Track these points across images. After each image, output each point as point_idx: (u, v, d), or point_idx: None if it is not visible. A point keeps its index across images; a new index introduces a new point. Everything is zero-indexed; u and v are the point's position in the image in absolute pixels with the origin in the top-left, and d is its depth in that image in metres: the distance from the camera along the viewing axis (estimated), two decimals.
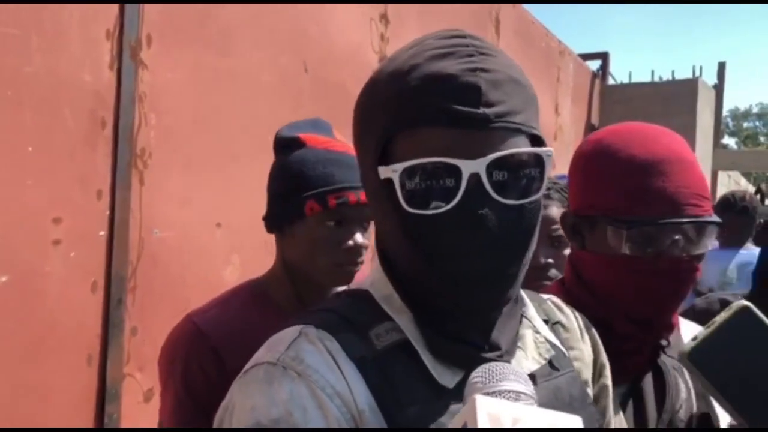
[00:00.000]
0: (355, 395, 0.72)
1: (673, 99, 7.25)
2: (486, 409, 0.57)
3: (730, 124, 48.04)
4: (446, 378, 0.75)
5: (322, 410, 0.70)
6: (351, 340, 0.75)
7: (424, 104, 0.72)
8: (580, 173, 1.18)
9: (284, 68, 2.81)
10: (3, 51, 1.78)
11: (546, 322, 0.91)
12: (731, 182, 11.14)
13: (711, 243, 1.12)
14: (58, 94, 1.92)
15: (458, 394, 0.70)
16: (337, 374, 0.72)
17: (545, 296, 0.99)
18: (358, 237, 1.37)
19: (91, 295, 2.04)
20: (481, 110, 0.71)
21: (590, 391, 0.91)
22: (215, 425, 0.78)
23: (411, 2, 3.70)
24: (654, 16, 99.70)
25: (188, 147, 2.35)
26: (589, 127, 6.92)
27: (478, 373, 0.66)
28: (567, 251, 1.72)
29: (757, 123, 50.84)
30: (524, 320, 0.86)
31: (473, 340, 0.77)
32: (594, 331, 0.98)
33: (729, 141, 43.75)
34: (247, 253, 2.50)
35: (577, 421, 0.59)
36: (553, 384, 0.82)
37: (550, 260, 1.79)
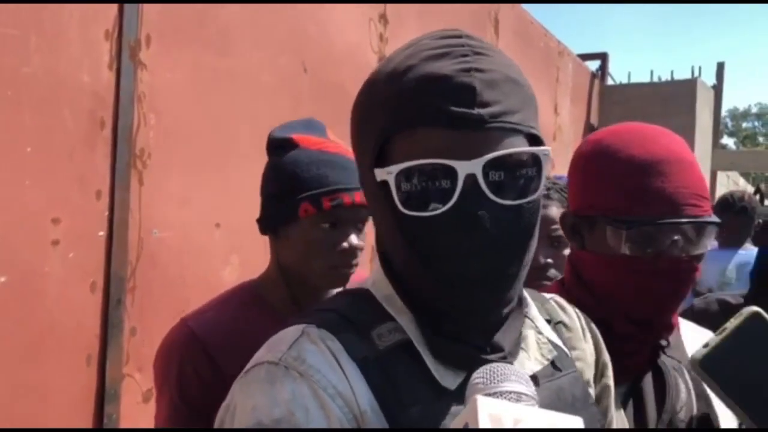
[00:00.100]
0: (357, 396, 0.71)
1: (672, 99, 7.26)
2: (487, 409, 0.57)
3: (729, 124, 48.09)
4: (448, 379, 0.74)
5: (324, 410, 0.70)
6: (353, 340, 0.75)
7: (419, 105, 0.72)
8: (580, 173, 1.18)
9: (283, 68, 2.81)
10: (2, 51, 1.77)
11: (548, 321, 0.91)
12: (730, 182, 11.15)
13: (710, 243, 1.12)
14: (57, 95, 1.92)
15: (460, 395, 0.70)
16: (339, 374, 0.72)
17: (548, 295, 0.98)
18: (353, 239, 1.36)
19: (90, 295, 2.04)
20: (476, 111, 0.70)
21: (592, 391, 0.91)
22: (216, 425, 0.78)
23: (410, 2, 3.70)
24: (653, 16, 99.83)
25: (187, 147, 2.35)
26: (588, 128, 6.92)
27: (480, 374, 0.66)
28: (566, 251, 1.72)
29: (756, 123, 50.90)
30: (527, 320, 0.85)
31: (475, 341, 0.76)
32: (596, 331, 0.98)
33: (728, 141, 43.81)
34: (247, 254, 2.50)
35: (577, 422, 0.59)
36: (555, 385, 0.82)
37: (550, 260, 1.79)
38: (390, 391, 0.72)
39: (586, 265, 1.17)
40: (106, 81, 2.07)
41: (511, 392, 0.63)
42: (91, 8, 2.01)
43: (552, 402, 0.77)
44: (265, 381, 0.73)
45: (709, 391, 1.10)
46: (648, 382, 1.14)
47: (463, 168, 0.70)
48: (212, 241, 2.45)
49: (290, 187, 1.35)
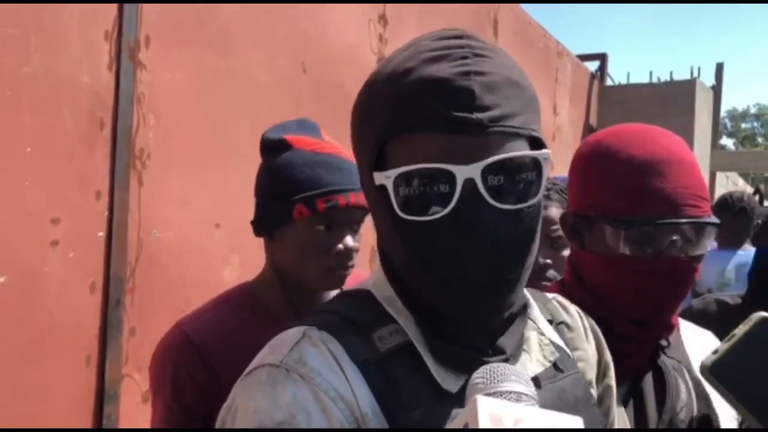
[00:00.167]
0: (359, 398, 0.71)
1: (671, 100, 7.26)
2: (487, 409, 0.57)
3: (728, 124, 48.12)
4: (449, 382, 0.74)
5: (326, 414, 0.70)
6: (354, 342, 0.75)
7: (417, 109, 0.71)
8: (580, 174, 1.19)
9: (283, 69, 2.81)
10: (2, 51, 1.77)
11: (550, 322, 0.90)
12: (729, 183, 11.15)
13: (710, 244, 1.12)
14: (56, 95, 1.92)
15: (461, 398, 0.69)
16: (341, 377, 0.72)
17: (550, 295, 0.98)
18: (349, 240, 1.35)
19: (89, 295, 2.04)
20: (475, 115, 0.70)
21: (594, 391, 0.91)
22: (218, 426, 0.78)
23: (410, 2, 3.70)
24: (652, 17, 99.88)
25: (187, 148, 2.35)
26: (588, 128, 6.93)
27: (480, 374, 0.66)
28: (566, 252, 1.72)
29: (755, 124, 50.92)
30: (529, 322, 0.85)
31: (476, 344, 0.76)
32: (599, 331, 0.97)
33: (727, 142, 43.82)
34: (246, 254, 2.49)
35: (578, 422, 0.59)
36: (557, 386, 0.81)
37: (549, 261, 1.79)
38: (391, 394, 0.72)
39: (586, 265, 1.18)
40: (105, 81, 2.07)
41: (511, 392, 0.63)
42: (91, 8, 2.01)
43: (554, 404, 0.77)
44: (267, 384, 0.72)
45: (710, 390, 1.10)
46: (648, 382, 1.14)
47: (462, 172, 0.69)
48: (212, 241, 2.45)
49: (284, 189, 1.34)
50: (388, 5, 3.53)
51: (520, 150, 0.73)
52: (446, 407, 0.71)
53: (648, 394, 1.13)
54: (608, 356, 0.97)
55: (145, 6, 2.18)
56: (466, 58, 0.72)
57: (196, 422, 1.29)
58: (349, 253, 1.35)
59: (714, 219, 1.10)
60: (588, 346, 0.94)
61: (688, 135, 6.89)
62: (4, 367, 1.80)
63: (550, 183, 1.81)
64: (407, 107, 0.72)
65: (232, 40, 2.55)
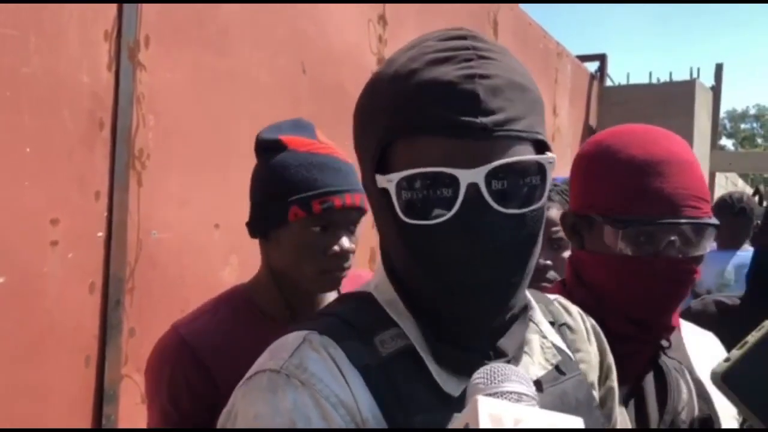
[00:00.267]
0: (360, 404, 0.71)
1: (670, 100, 7.26)
2: (488, 409, 0.57)
3: (728, 125, 48.12)
4: (451, 386, 0.74)
5: (326, 420, 0.69)
6: (355, 347, 0.75)
7: (421, 112, 0.71)
8: (581, 174, 1.19)
9: (282, 69, 2.81)
10: (1, 51, 1.77)
11: (552, 324, 0.90)
12: (729, 184, 11.16)
13: (709, 245, 1.12)
14: (56, 95, 1.92)
15: (463, 402, 0.69)
16: (341, 383, 0.72)
17: (552, 297, 0.98)
18: (345, 242, 1.35)
19: (89, 296, 2.04)
20: (479, 120, 0.69)
21: (596, 393, 0.91)
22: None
23: (409, 2, 3.70)
24: (652, 17, 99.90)
25: (186, 148, 2.35)
26: (587, 129, 6.93)
27: (480, 374, 0.66)
28: (566, 254, 1.73)
29: (755, 124, 50.93)
30: (531, 325, 0.85)
31: (478, 346, 0.76)
32: (601, 333, 0.97)
33: (726, 142, 43.81)
34: (246, 254, 2.49)
35: (578, 422, 0.59)
36: (559, 389, 0.81)
37: (549, 262, 1.79)
38: (393, 399, 0.72)
39: (585, 265, 1.18)
40: (105, 82, 2.06)
41: (511, 392, 0.63)
42: (91, 9, 2.01)
43: (555, 407, 0.76)
44: (267, 389, 0.72)
45: (711, 391, 1.10)
46: (649, 382, 1.14)
47: (465, 177, 0.69)
48: (211, 241, 2.45)
49: (279, 191, 1.33)
50: (387, 5, 3.53)
51: (524, 154, 0.72)
52: (448, 411, 0.70)
53: (649, 394, 1.13)
54: (611, 358, 0.97)
55: (145, 6, 2.18)
56: (470, 60, 0.71)
57: (191, 427, 1.29)
58: (345, 254, 1.35)
59: (713, 220, 1.10)
60: (590, 348, 0.94)
61: (687, 135, 6.88)
62: (3, 367, 1.80)
63: (551, 184, 1.81)
64: (411, 110, 0.71)
65: (231, 41, 2.55)
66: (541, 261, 1.76)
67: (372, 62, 3.39)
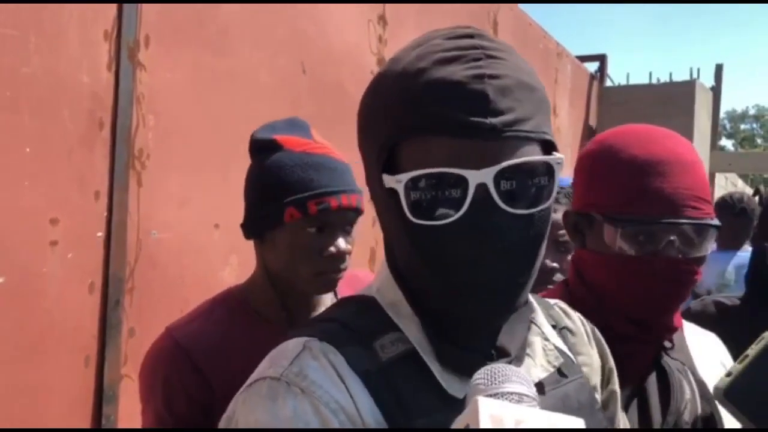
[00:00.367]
0: (361, 409, 0.71)
1: (670, 101, 7.25)
2: (488, 410, 0.56)
3: (727, 126, 48.13)
4: (455, 387, 0.74)
5: (326, 427, 0.69)
6: (355, 352, 0.74)
7: (430, 112, 0.70)
8: (584, 173, 1.19)
9: (282, 69, 2.81)
10: (1, 51, 1.77)
11: (554, 327, 0.90)
12: (728, 184, 11.16)
13: (710, 246, 1.12)
14: (56, 95, 1.92)
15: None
16: (342, 389, 0.71)
17: (552, 301, 0.98)
18: (341, 243, 1.33)
19: (88, 296, 2.03)
20: (489, 120, 0.69)
21: (599, 396, 0.91)
22: None
23: (409, 2, 3.70)
24: (652, 17, 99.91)
25: (186, 148, 2.35)
26: (587, 129, 6.93)
27: (481, 375, 0.66)
28: None
29: (754, 125, 50.94)
30: (533, 327, 0.85)
31: (482, 347, 0.76)
32: (601, 338, 0.97)
33: (726, 143, 43.82)
34: (246, 254, 2.48)
35: (579, 423, 0.59)
36: (561, 391, 0.81)
37: (556, 264, 1.80)
38: (395, 403, 0.72)
39: (586, 264, 1.18)
40: (105, 81, 2.06)
41: (512, 393, 0.63)
42: (90, 9, 2.01)
43: (557, 409, 0.75)
44: (267, 397, 0.72)
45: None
46: (652, 383, 1.14)
47: (474, 177, 0.69)
48: (211, 241, 2.44)
49: (275, 191, 1.32)
50: (387, 5, 3.53)
51: (532, 154, 0.72)
52: (451, 413, 0.70)
53: (652, 395, 1.13)
54: (612, 362, 0.96)
55: (145, 6, 2.17)
56: (479, 60, 0.71)
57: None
58: (341, 255, 1.34)
59: (714, 221, 1.10)
60: (592, 352, 0.94)
61: (687, 136, 6.79)
62: (2, 367, 1.80)
63: (559, 187, 1.81)
64: (420, 110, 0.71)
65: (231, 41, 2.54)
66: (549, 263, 1.77)
67: (372, 62, 3.39)
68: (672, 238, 1.08)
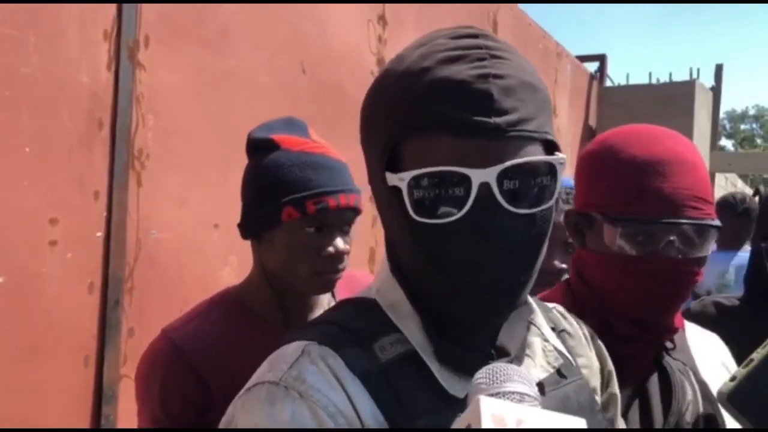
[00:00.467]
0: (360, 412, 0.71)
1: (670, 101, 7.25)
2: (490, 410, 0.56)
3: (727, 126, 48.14)
4: (455, 387, 0.74)
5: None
6: (354, 354, 0.74)
7: (434, 111, 0.70)
8: (584, 172, 1.19)
9: (282, 69, 2.81)
10: (1, 51, 1.77)
11: (553, 329, 0.90)
12: (728, 184, 11.16)
13: (710, 246, 1.11)
14: (55, 95, 1.92)
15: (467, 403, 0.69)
16: (340, 393, 0.71)
17: (550, 305, 0.98)
18: (339, 243, 1.33)
19: (88, 296, 2.03)
20: (493, 120, 0.69)
21: (598, 398, 0.91)
22: None
23: (409, 2, 3.70)
24: (651, 17, 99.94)
25: (186, 148, 2.35)
26: (587, 129, 6.93)
27: (482, 374, 0.65)
28: None
29: (754, 125, 50.94)
30: (533, 327, 0.85)
31: (482, 347, 0.76)
32: (599, 341, 0.97)
33: (726, 143, 43.81)
34: (245, 254, 2.47)
35: (580, 423, 0.59)
36: (561, 392, 0.81)
37: (564, 266, 1.80)
38: (396, 404, 0.72)
39: (586, 264, 1.18)
40: (104, 81, 2.06)
41: (514, 393, 0.62)
42: (90, 8, 2.01)
43: (558, 410, 0.76)
44: (266, 401, 0.72)
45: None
46: (654, 384, 1.14)
47: (477, 176, 0.69)
48: (210, 241, 2.44)
49: (273, 191, 1.31)
50: (387, 5, 3.53)
51: (535, 154, 0.72)
52: (452, 413, 0.70)
53: (653, 396, 1.13)
54: (611, 365, 0.97)
55: (144, 6, 2.17)
56: (483, 59, 0.71)
57: None
58: (339, 255, 1.33)
59: (715, 221, 1.09)
60: (591, 354, 0.94)
61: (687, 136, 6.75)
62: (2, 367, 1.79)
63: (568, 188, 1.81)
64: (423, 108, 0.71)
65: (231, 41, 2.54)
66: (557, 264, 1.77)
67: (372, 62, 3.38)
68: (672, 238, 1.07)
